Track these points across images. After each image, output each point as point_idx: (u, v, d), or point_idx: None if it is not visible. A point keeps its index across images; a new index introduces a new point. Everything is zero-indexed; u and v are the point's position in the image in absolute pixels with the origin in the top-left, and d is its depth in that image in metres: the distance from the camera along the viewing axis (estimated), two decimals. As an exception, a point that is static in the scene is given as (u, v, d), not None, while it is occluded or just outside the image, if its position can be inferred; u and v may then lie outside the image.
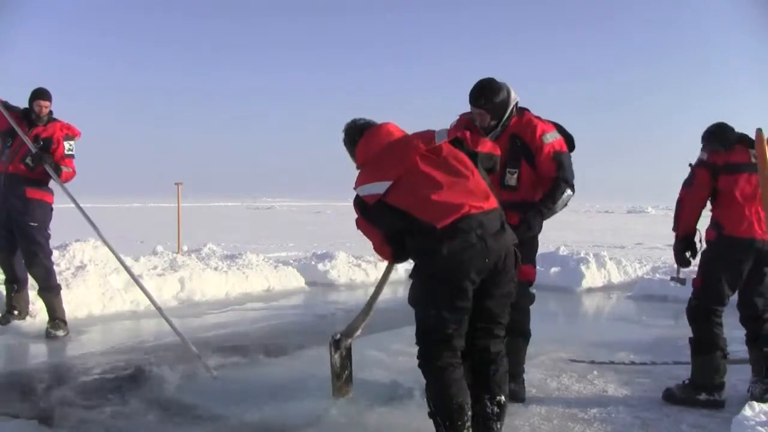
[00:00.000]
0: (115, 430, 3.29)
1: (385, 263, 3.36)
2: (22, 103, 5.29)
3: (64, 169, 5.19)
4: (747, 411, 2.95)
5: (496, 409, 2.79)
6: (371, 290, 3.43)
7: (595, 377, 4.31)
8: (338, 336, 3.42)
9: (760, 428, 2.76)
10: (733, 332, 6.07)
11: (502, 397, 2.81)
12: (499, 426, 2.82)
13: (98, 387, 3.97)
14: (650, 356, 4.70)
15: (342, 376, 3.43)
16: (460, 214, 2.65)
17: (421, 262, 2.77)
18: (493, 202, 2.77)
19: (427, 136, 2.86)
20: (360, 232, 2.98)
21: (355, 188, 2.88)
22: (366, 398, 3.63)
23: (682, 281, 7.98)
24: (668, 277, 8.24)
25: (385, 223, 2.82)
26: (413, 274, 2.81)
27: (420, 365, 2.79)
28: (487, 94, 3.52)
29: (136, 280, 5.02)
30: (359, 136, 2.99)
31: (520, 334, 3.71)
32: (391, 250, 2.89)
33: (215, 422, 3.37)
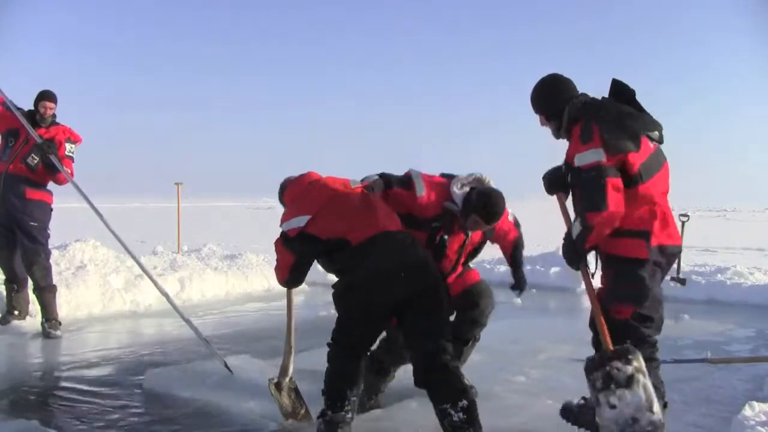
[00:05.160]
0: (115, 429, 3.29)
1: None
2: (24, 106, 5.30)
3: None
4: (747, 411, 2.95)
5: (462, 415, 2.81)
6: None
7: (595, 377, 4.30)
8: (276, 379, 3.41)
9: (760, 428, 2.76)
10: (733, 332, 6.14)
11: (465, 402, 2.84)
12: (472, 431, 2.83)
13: (98, 387, 3.98)
14: (650, 356, 4.70)
15: (298, 414, 3.40)
16: (376, 231, 2.95)
17: (342, 284, 3.04)
18: (401, 226, 3.10)
19: (344, 181, 3.25)
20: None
21: (280, 225, 3.17)
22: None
23: (682, 281, 8.02)
24: (668, 277, 8.27)
25: (303, 251, 3.11)
26: (335, 286, 3.07)
27: (328, 352, 3.07)
28: (502, 208, 3.39)
29: (149, 275, 4.94)
30: (285, 187, 3.42)
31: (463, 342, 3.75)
32: (288, 276, 3.21)
33: (216, 421, 3.38)
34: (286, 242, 3.15)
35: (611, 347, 2.68)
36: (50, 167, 5.13)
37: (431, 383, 2.93)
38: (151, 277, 4.88)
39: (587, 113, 2.74)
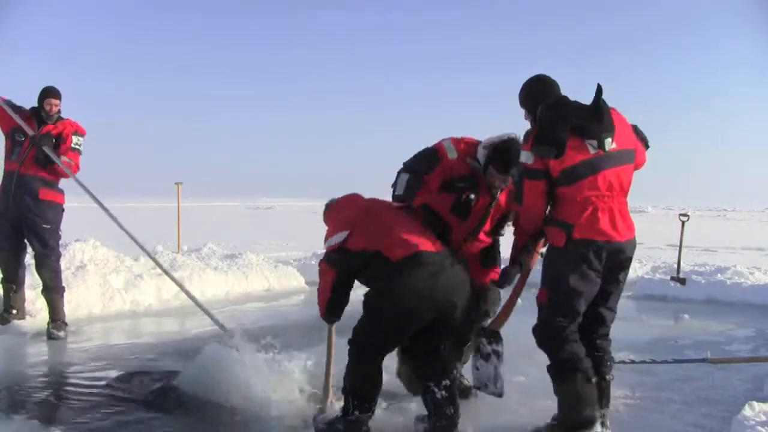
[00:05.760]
0: (115, 429, 3.29)
1: None
2: (26, 105, 5.31)
3: (66, 160, 5.20)
4: (747, 411, 2.95)
5: (444, 393, 3.03)
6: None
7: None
8: (319, 422, 3.28)
9: (760, 428, 2.76)
10: (733, 332, 6.14)
11: (447, 381, 3.06)
12: (452, 410, 3.04)
13: (98, 387, 3.97)
14: (650, 355, 4.71)
15: None
16: (415, 250, 2.95)
17: (375, 292, 3.05)
18: (440, 246, 3.09)
19: (384, 201, 3.34)
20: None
21: (324, 246, 3.27)
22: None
23: (682, 281, 8.03)
24: (668, 277, 8.27)
25: (343, 266, 3.15)
26: (366, 298, 3.07)
27: (353, 345, 3.07)
28: (516, 157, 3.27)
29: (165, 271, 4.95)
30: (328, 208, 3.51)
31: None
32: (332, 294, 3.22)
33: (215, 421, 3.38)
34: (328, 259, 3.22)
35: (496, 327, 3.33)
36: (47, 160, 5.11)
37: (417, 366, 3.16)
38: (167, 272, 4.88)
39: (542, 117, 2.98)
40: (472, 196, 3.43)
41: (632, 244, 3.03)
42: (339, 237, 3.15)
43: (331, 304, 3.29)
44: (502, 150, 3.30)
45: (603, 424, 3.06)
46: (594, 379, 2.98)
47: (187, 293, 4.66)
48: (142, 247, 4.89)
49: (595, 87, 2.92)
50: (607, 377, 3.11)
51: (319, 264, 3.30)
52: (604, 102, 2.93)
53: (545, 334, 3.04)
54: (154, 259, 4.89)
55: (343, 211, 3.33)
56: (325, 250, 3.27)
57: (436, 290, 2.92)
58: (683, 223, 7.93)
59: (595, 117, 2.89)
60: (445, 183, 3.42)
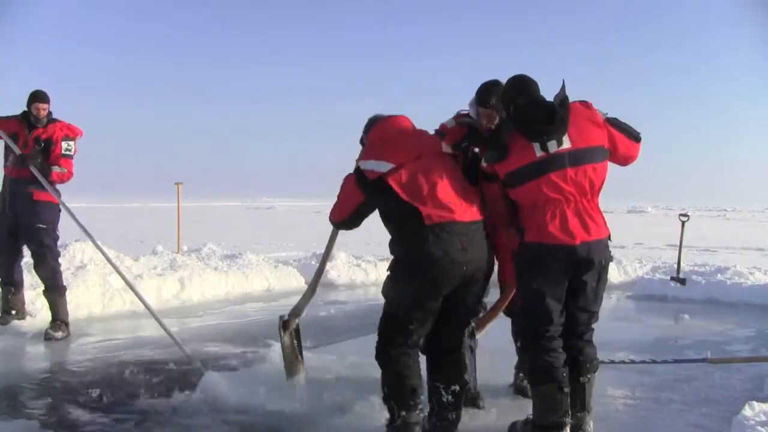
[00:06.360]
0: (115, 429, 3.30)
1: (384, 265, 3.48)
2: (19, 108, 5.34)
3: (57, 170, 5.19)
4: (747, 411, 2.95)
5: (450, 398, 3.00)
6: (371, 290, 3.45)
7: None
8: (286, 317, 3.48)
9: (760, 428, 2.76)
10: (733, 332, 6.14)
11: (457, 387, 3.02)
12: (454, 416, 3.03)
13: (98, 387, 3.96)
14: (650, 355, 4.71)
15: (293, 355, 3.48)
16: (451, 218, 2.86)
17: (403, 255, 2.96)
18: (479, 215, 3.00)
19: (435, 142, 3.12)
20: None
21: (358, 161, 3.08)
22: (364, 399, 3.63)
23: (682, 281, 8.03)
24: (668, 277, 8.28)
25: (375, 197, 3.00)
26: (391, 268, 3.01)
27: (377, 353, 3.01)
28: (496, 92, 3.29)
29: (126, 281, 5.06)
30: (373, 123, 3.25)
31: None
32: (349, 215, 3.14)
33: (214, 421, 3.37)
34: (361, 182, 3.03)
35: (479, 328, 3.41)
36: (40, 173, 5.09)
37: (433, 363, 3.09)
38: (128, 282, 5.03)
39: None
40: (477, 149, 3.40)
41: (591, 246, 2.84)
42: (380, 165, 2.94)
43: (345, 223, 3.24)
44: (482, 88, 3.34)
45: (580, 428, 3.01)
46: (567, 389, 2.89)
47: (149, 308, 4.80)
48: (105, 255, 5.01)
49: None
50: (581, 379, 3.00)
51: (346, 179, 3.13)
52: (565, 100, 2.84)
53: (523, 341, 3.05)
54: (120, 273, 5.01)
55: (394, 140, 3.07)
56: (358, 167, 3.07)
57: (465, 262, 2.87)
58: (683, 223, 7.93)
59: (544, 118, 2.81)
60: (456, 148, 3.37)
